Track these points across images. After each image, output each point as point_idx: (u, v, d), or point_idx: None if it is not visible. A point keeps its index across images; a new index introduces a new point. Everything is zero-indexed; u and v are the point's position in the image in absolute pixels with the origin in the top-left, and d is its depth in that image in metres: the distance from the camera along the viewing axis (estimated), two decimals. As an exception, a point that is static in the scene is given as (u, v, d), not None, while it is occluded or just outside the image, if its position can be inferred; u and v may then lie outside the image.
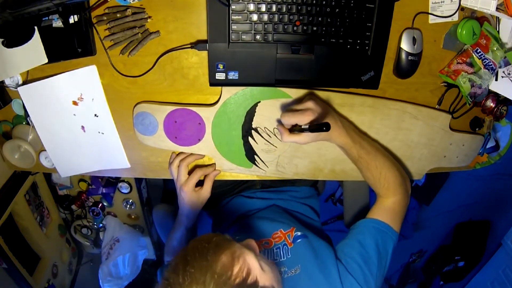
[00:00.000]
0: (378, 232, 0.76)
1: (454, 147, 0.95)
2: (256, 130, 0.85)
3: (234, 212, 1.04)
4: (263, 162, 0.89)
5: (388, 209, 0.80)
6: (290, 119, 0.72)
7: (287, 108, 0.76)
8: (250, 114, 0.83)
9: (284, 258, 0.78)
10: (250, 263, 0.57)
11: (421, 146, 0.92)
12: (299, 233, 0.82)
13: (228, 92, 0.81)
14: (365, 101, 0.84)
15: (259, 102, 0.82)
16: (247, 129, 0.85)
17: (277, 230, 0.85)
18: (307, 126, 0.69)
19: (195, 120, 0.83)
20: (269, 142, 0.87)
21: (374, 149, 0.79)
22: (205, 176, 0.89)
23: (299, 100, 0.80)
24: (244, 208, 1.02)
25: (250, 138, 0.86)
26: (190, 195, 0.86)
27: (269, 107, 0.83)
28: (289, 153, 0.89)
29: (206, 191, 0.88)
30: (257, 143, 0.87)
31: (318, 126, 0.66)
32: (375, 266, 0.72)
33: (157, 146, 0.87)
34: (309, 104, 0.72)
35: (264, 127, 0.85)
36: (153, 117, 0.83)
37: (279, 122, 0.76)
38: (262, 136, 0.86)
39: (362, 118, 0.86)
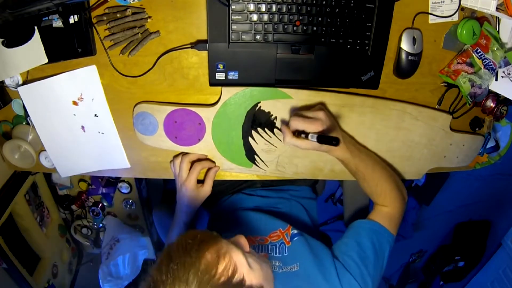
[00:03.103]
0: (375, 233, 0.77)
1: (454, 147, 0.95)
2: (256, 130, 0.85)
3: (233, 208, 1.04)
4: (263, 161, 0.89)
5: (385, 214, 0.81)
6: (299, 124, 0.72)
7: (296, 112, 0.77)
8: (250, 114, 0.83)
9: (279, 254, 0.78)
10: (237, 261, 0.55)
11: (421, 146, 0.92)
12: (295, 231, 0.81)
13: (228, 92, 0.81)
14: (365, 101, 0.84)
15: (259, 102, 0.82)
16: (247, 129, 0.85)
17: (276, 229, 0.85)
18: (315, 136, 0.69)
19: (195, 120, 0.84)
20: (269, 142, 0.87)
21: (372, 161, 0.81)
22: (206, 173, 0.89)
23: (309, 107, 0.81)
24: (243, 205, 1.03)
25: (250, 138, 0.86)
26: (192, 191, 0.86)
27: (269, 107, 0.83)
28: (289, 153, 0.88)
29: (207, 188, 0.88)
30: (257, 143, 0.87)
31: (327, 138, 0.67)
32: (372, 265, 0.73)
33: (157, 146, 0.87)
34: (320, 115, 0.74)
35: (264, 128, 0.85)
36: (153, 117, 0.83)
37: (284, 123, 0.76)
38: (262, 136, 0.86)
39: (362, 119, 0.86)
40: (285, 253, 0.78)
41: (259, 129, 0.85)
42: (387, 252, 0.77)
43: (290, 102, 0.82)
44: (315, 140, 0.69)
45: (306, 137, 0.70)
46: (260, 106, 0.83)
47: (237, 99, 0.82)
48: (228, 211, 1.04)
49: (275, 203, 1.02)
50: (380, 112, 0.86)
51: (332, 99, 0.83)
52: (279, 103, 0.82)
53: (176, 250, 0.54)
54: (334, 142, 0.66)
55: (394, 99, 0.88)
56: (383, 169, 0.83)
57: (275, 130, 0.85)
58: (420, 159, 0.94)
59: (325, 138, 0.68)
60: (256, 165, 0.89)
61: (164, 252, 0.56)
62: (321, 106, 0.81)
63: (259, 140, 0.86)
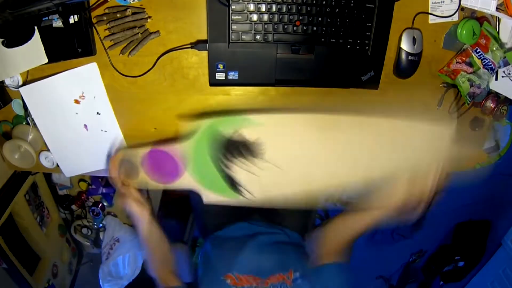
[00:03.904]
0: (341, 271, 0.79)
1: (460, 145, 0.83)
2: (231, 160, 0.79)
3: (236, 239, 0.99)
4: (247, 191, 0.81)
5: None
6: None
7: None
8: (222, 146, 0.77)
9: None
10: None
11: (424, 152, 0.80)
12: (297, 274, 0.80)
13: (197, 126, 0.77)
14: (351, 120, 0.76)
15: (230, 132, 0.76)
16: (222, 160, 0.79)
17: (276, 273, 0.82)
18: None
19: (171, 159, 0.80)
20: (249, 171, 0.79)
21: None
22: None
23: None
24: (246, 234, 0.99)
25: (227, 170, 0.79)
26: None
27: (239, 135, 0.76)
28: (271, 178, 0.80)
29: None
30: (236, 173, 0.80)
31: None
32: None
33: (144, 186, 0.84)
34: None
35: (239, 156, 0.78)
36: (132, 162, 0.82)
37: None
38: (238, 166, 0.79)
39: (350, 138, 0.76)
40: None
41: (233, 159, 0.78)
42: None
43: (260, 127, 0.76)
44: None
45: None
46: (231, 136, 0.76)
47: (205, 132, 0.76)
48: (231, 241, 0.99)
49: (276, 238, 1.00)
50: (368, 130, 0.76)
51: (314, 121, 0.75)
52: (248, 130, 0.76)
53: None
54: None
55: (384, 108, 0.78)
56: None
57: (249, 157, 0.78)
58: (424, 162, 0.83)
59: None
60: (242, 195, 0.81)
61: None
62: None
63: (237, 170, 0.79)
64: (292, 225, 1.07)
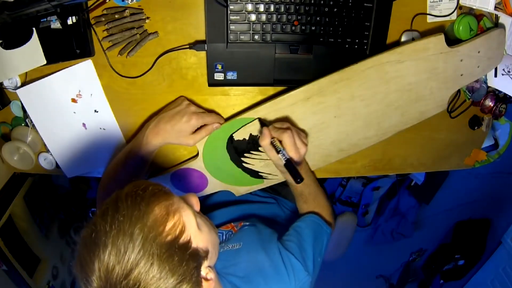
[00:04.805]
0: (314, 223, 0.83)
1: (468, 60, 0.81)
2: (244, 156, 0.85)
3: (217, 198, 1.03)
4: (269, 173, 0.89)
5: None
6: (292, 139, 0.73)
7: (292, 126, 0.77)
8: (230, 148, 0.84)
9: (225, 238, 0.80)
10: (186, 220, 0.52)
11: (425, 82, 0.81)
12: (247, 223, 0.83)
13: (200, 144, 0.82)
14: (331, 79, 0.77)
15: (232, 135, 0.82)
16: (237, 159, 0.85)
17: (228, 224, 0.86)
18: (285, 158, 0.72)
19: (192, 173, 0.88)
20: (263, 159, 0.86)
21: (315, 188, 0.87)
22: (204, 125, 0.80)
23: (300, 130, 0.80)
24: (226, 199, 1.02)
25: (244, 164, 0.86)
26: (180, 129, 0.77)
27: (242, 135, 0.83)
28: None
29: (193, 139, 0.78)
30: (254, 164, 0.87)
31: (295, 171, 0.71)
32: (310, 248, 0.77)
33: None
34: (306, 142, 0.77)
35: (250, 151, 0.85)
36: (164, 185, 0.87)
37: (265, 125, 0.77)
38: (253, 158, 0.86)
39: (338, 96, 0.79)
40: (230, 237, 0.80)
41: (246, 154, 0.85)
42: (325, 242, 0.83)
43: (256, 122, 0.81)
44: (283, 162, 0.72)
45: (278, 153, 0.73)
46: (234, 138, 0.83)
47: (210, 144, 0.83)
48: (211, 199, 1.04)
49: (260, 206, 1.02)
50: (354, 80, 0.78)
51: (297, 97, 0.78)
52: (247, 128, 0.82)
53: (125, 200, 0.50)
54: (299, 179, 0.71)
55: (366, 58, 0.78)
56: (322, 195, 0.89)
57: (260, 148, 0.83)
58: (432, 93, 0.83)
59: (293, 168, 0.71)
60: (266, 178, 0.90)
61: (111, 199, 0.51)
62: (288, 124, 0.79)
63: (253, 161, 0.86)
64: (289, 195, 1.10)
